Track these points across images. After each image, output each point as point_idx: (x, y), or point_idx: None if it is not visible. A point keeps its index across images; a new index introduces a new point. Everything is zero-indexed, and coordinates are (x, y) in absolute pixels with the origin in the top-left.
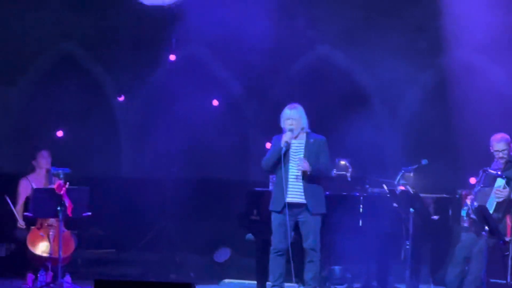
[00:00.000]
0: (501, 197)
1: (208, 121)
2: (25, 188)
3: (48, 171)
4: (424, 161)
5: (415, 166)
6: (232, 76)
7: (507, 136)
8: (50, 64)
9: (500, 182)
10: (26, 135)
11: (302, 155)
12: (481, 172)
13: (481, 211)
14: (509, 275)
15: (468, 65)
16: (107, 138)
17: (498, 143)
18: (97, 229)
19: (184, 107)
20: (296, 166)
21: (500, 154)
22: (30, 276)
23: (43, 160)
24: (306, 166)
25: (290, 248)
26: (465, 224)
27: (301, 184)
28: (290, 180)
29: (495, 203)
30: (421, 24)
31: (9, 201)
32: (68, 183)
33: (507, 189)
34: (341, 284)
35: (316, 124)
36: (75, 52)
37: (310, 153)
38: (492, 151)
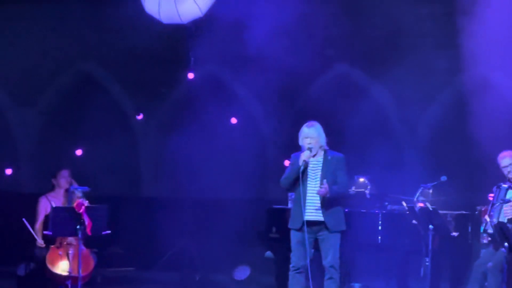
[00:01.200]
0: (509, 215)
1: (227, 139)
2: (44, 207)
3: (67, 189)
4: (443, 178)
5: (434, 183)
6: (251, 95)
7: (511, 152)
8: (69, 84)
9: (511, 193)
10: (45, 154)
11: (320, 173)
12: (495, 188)
13: (501, 227)
14: None
15: (486, 83)
16: (126, 156)
17: (502, 160)
18: (116, 248)
19: (203, 125)
20: (316, 192)
21: (507, 170)
22: None
23: (63, 180)
24: (323, 192)
25: (309, 266)
26: (484, 241)
27: (319, 202)
28: (308, 198)
29: (506, 219)
30: (439, 42)
31: (26, 223)
32: (87, 201)
33: None
34: None
35: (335, 142)
36: (94, 72)
37: (327, 171)
38: (502, 170)
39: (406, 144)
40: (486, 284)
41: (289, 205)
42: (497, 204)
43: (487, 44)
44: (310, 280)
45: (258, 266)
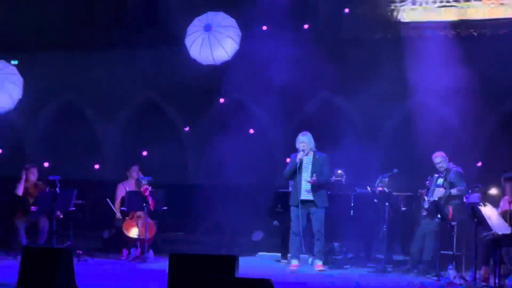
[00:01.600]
0: (439, 195)
1: (247, 144)
2: (121, 191)
3: (137, 179)
4: (395, 170)
5: (389, 174)
6: (263, 112)
7: (441, 153)
8: (138, 105)
9: (440, 180)
10: (122, 154)
11: (310, 167)
12: (429, 177)
13: (436, 204)
14: (454, 248)
15: (424, 105)
16: (177, 156)
17: (435, 158)
18: (171, 219)
19: (230, 134)
20: (307, 181)
21: (439, 165)
22: (125, 252)
23: (134, 173)
24: (311, 182)
25: (301, 232)
26: (424, 213)
27: (310, 187)
28: (303, 184)
29: (436, 197)
30: (393, 76)
31: (109, 202)
32: (150, 187)
33: (443, 189)
34: (339, 255)
35: (322, 145)
36: (155, 97)
37: (315, 166)
38: (435, 165)
39: (370, 146)
40: (425, 244)
41: (290, 189)
42: (432, 188)
43: (425, 77)
44: (303, 241)
45: (269, 231)
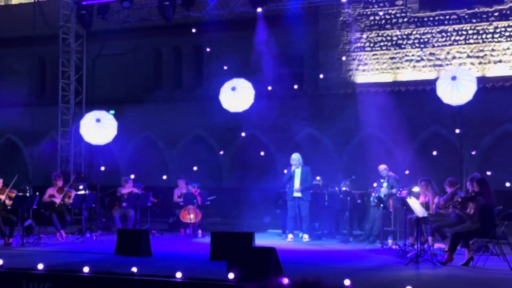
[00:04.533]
0: (384, 193)
1: (259, 161)
2: (177, 192)
3: (187, 185)
4: (353, 176)
5: (349, 179)
6: (269, 141)
7: (384, 165)
8: (190, 138)
9: (385, 184)
10: (177, 170)
11: (300, 176)
12: (377, 181)
13: (379, 198)
14: (392, 225)
15: (371, 134)
16: (216, 169)
17: (380, 169)
18: (212, 209)
19: (248, 155)
20: (296, 187)
21: (382, 173)
22: (182, 231)
23: (181, 181)
24: (298, 189)
25: (294, 216)
26: (372, 204)
27: (299, 188)
28: (294, 186)
29: (383, 194)
30: (351, 116)
31: (176, 197)
32: (198, 189)
33: (386, 189)
34: (318, 231)
35: (307, 161)
36: (201, 133)
37: (302, 175)
38: (380, 173)
39: (337, 162)
40: (373, 223)
41: (286, 189)
42: (377, 188)
43: (371, 117)
44: (295, 222)
45: (274, 216)
